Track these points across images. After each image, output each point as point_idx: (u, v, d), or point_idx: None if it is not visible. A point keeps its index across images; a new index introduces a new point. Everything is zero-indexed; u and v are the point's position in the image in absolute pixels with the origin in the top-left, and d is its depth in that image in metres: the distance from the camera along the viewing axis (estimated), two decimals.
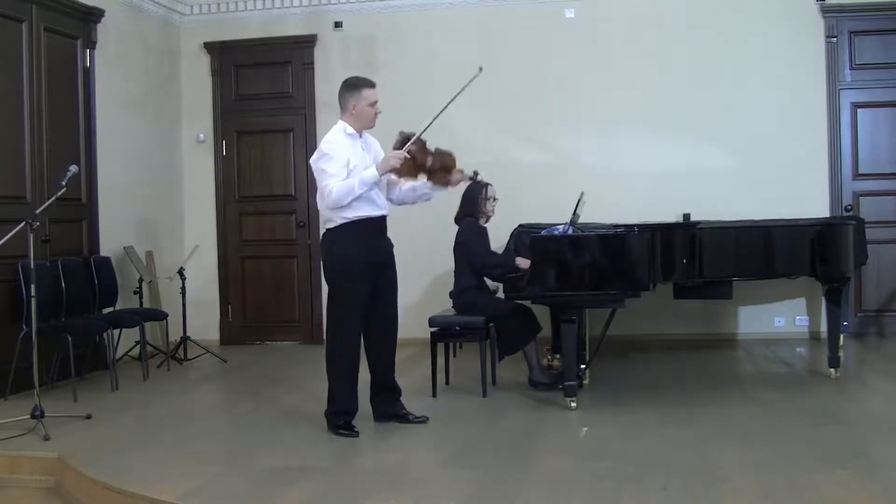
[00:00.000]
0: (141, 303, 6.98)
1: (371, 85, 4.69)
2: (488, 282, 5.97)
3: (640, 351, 7.02)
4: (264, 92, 8.25)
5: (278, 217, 8.26)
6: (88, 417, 5.11)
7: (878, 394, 5.40)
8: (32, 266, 4.85)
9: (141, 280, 6.99)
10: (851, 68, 7.43)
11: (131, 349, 6.88)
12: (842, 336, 6.01)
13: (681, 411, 4.98)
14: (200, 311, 7.86)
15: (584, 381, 5.64)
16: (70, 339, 5.72)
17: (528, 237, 5.68)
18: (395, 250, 4.86)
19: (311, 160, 4.69)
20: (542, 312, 5.77)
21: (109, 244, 6.97)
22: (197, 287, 7.74)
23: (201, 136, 8.32)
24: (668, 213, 7.22)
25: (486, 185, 5.75)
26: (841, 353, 5.85)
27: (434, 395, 5.52)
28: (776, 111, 7.44)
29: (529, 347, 5.64)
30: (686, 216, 7.24)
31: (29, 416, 4.73)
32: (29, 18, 6.21)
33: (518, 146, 7.72)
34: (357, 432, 4.62)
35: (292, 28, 8.16)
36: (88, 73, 6.87)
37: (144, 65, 7.73)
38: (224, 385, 6.53)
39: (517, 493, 3.63)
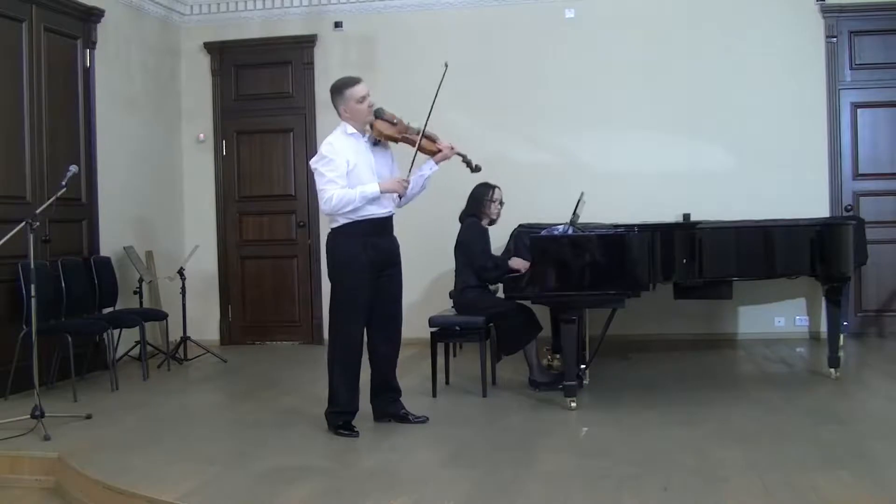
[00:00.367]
0: (141, 303, 6.98)
1: (353, 83, 4.66)
2: None
3: (641, 351, 7.01)
4: (264, 92, 8.25)
5: (278, 217, 8.26)
6: (88, 417, 5.11)
7: (878, 394, 5.40)
8: (32, 266, 4.85)
9: (141, 280, 6.99)
10: (851, 68, 7.43)
11: (131, 349, 6.88)
12: (842, 336, 6.01)
13: (681, 411, 4.98)
14: (200, 312, 7.88)
15: (584, 381, 5.65)
16: (70, 339, 5.72)
17: (528, 237, 5.68)
18: None
19: (311, 162, 4.69)
20: (542, 312, 5.76)
21: (109, 244, 6.97)
22: (197, 287, 7.76)
23: (201, 136, 8.31)
24: (668, 213, 7.24)
25: (495, 187, 5.76)
26: (841, 353, 5.85)
27: (434, 395, 5.52)
28: (776, 111, 7.44)
29: (529, 347, 5.63)
30: (686, 216, 7.25)
31: (29, 416, 4.73)
32: (29, 18, 6.21)
33: (518, 146, 7.71)
34: (357, 432, 4.61)
35: (292, 28, 8.16)
36: (88, 73, 6.87)
37: (144, 65, 7.72)
38: (224, 385, 6.52)
39: (517, 492, 3.63)
